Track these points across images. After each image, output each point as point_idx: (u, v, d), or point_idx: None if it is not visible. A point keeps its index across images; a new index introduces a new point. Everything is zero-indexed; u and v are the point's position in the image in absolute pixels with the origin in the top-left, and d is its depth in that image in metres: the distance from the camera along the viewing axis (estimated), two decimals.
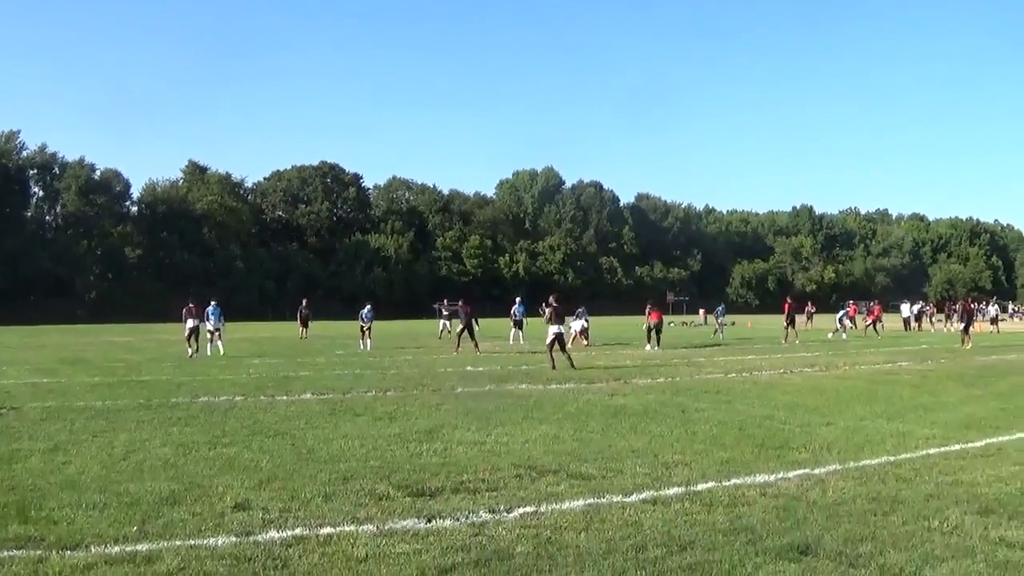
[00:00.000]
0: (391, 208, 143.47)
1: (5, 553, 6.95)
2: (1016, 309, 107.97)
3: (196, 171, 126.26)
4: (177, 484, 9.41)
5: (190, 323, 32.29)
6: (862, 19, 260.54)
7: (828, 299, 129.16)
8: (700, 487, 9.27)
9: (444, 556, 6.89)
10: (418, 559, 6.81)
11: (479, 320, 35.51)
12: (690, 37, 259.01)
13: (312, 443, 12.17)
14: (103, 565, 6.64)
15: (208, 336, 33.65)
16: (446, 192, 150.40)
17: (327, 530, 7.58)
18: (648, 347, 35.04)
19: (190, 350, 31.56)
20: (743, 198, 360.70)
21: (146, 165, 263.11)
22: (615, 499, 8.71)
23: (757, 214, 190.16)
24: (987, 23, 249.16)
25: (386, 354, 33.01)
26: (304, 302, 50.06)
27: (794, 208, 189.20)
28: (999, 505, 8.44)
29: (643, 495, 8.88)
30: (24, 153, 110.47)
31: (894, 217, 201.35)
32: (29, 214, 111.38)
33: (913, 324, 60.59)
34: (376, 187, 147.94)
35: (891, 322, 59.48)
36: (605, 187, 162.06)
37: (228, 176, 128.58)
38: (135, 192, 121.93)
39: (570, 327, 39.06)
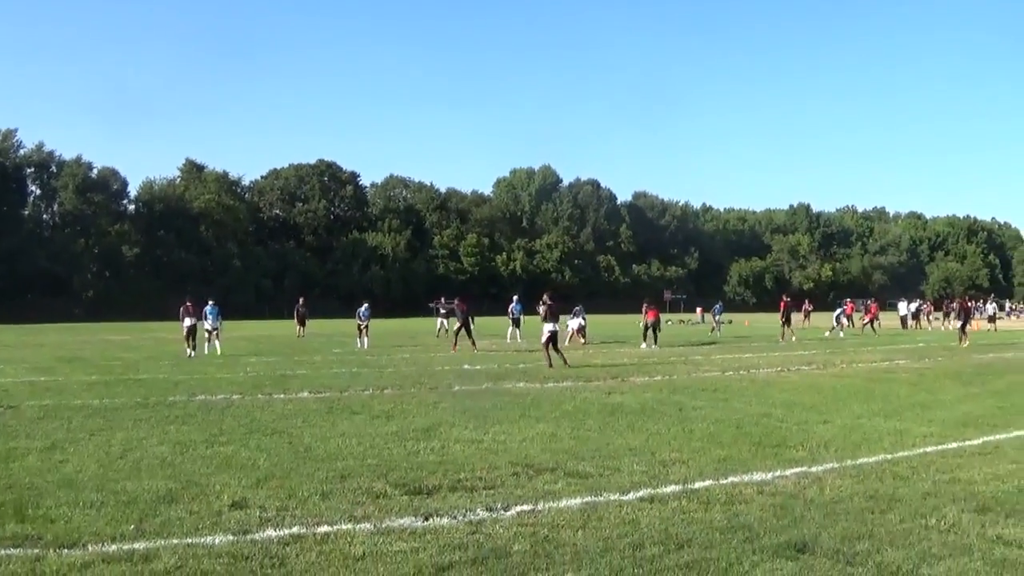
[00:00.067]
0: (388, 206, 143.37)
1: (2, 552, 6.95)
2: (1013, 307, 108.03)
3: (193, 169, 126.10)
4: (174, 482, 9.40)
5: (187, 322, 32.24)
6: (860, 17, 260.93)
7: (825, 297, 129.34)
8: (697, 485, 9.28)
9: (441, 554, 6.89)
10: (415, 557, 6.82)
11: (473, 318, 35.45)
12: (687, 35, 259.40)
13: (309, 441, 12.16)
14: (100, 563, 6.64)
15: (206, 335, 33.63)
16: (443, 190, 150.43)
17: (324, 528, 7.58)
18: (644, 345, 35.03)
19: (188, 349, 31.52)
20: (740, 196, 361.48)
21: (143, 163, 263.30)
22: (612, 497, 8.71)
23: (754, 212, 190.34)
24: (985, 21, 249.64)
25: (383, 352, 33.01)
26: (301, 300, 50.11)
27: (791, 206, 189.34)
28: (996, 503, 8.45)
29: (640, 493, 8.89)
30: (21, 151, 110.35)
31: (891, 215, 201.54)
32: (26, 212, 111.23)
33: (910, 322, 60.65)
34: (373, 185, 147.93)
35: (888, 320, 59.53)
36: (602, 185, 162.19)
37: (225, 174, 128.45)
38: (132, 190, 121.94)
39: (567, 325, 39.14)
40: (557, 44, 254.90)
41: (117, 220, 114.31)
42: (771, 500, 8.60)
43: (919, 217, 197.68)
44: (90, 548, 7.01)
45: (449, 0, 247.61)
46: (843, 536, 7.32)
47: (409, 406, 16.19)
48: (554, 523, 7.75)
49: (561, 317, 26.99)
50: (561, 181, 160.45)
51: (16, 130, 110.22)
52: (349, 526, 7.67)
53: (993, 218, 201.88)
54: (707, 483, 9.38)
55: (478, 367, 25.32)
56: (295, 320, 48.95)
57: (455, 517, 7.97)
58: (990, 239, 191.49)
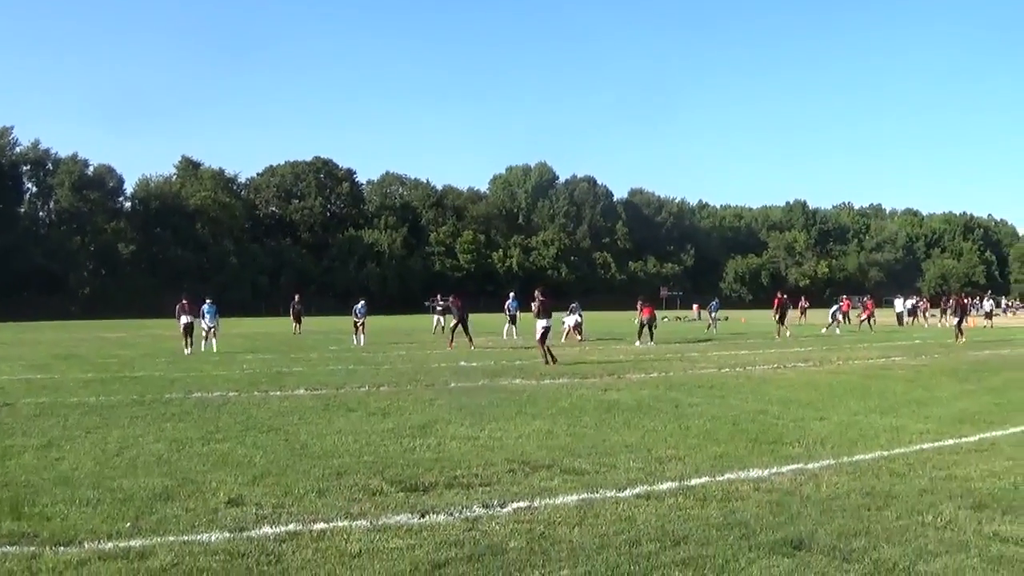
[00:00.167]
0: (384, 203, 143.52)
1: None
2: (1010, 304, 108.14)
3: (189, 167, 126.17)
4: (170, 480, 9.39)
5: (184, 319, 32.22)
6: (856, 13, 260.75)
7: (822, 294, 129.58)
8: (694, 482, 9.28)
9: (437, 551, 6.89)
10: (411, 554, 6.81)
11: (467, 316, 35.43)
12: (684, 32, 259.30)
13: (305, 439, 12.15)
14: (96, 561, 6.63)
15: (203, 333, 33.61)
16: (440, 187, 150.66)
17: (320, 525, 7.58)
18: (639, 343, 34.99)
19: (185, 347, 31.50)
20: (736, 193, 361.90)
21: (139, 161, 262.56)
22: (608, 494, 8.70)
23: (751, 209, 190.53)
24: (981, 18, 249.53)
25: (379, 349, 33.00)
26: (296, 297, 50.07)
27: (788, 203, 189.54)
28: (993, 500, 8.45)
29: (636, 490, 8.88)
30: (17, 149, 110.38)
31: (888, 212, 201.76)
32: (22, 210, 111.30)
33: (907, 319, 60.69)
34: (369, 182, 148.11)
35: (885, 317, 59.53)
36: (598, 182, 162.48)
37: (221, 172, 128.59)
38: (128, 188, 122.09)
39: (563, 322, 39.16)
40: (553, 41, 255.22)
41: (113, 217, 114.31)
42: (767, 497, 8.60)
43: (915, 214, 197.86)
44: (86, 545, 7.00)
45: None
46: (839, 533, 7.32)
47: (405, 403, 16.18)
48: (550, 520, 7.75)
49: (554, 315, 26.91)
50: (557, 178, 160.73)
51: (12, 127, 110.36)
52: (345, 523, 7.66)
53: (990, 215, 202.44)
54: (703, 480, 9.38)
55: (474, 364, 25.31)
56: (291, 317, 48.95)
57: (451, 514, 7.96)
58: (986, 236, 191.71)
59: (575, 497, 8.57)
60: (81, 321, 79.12)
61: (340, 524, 7.63)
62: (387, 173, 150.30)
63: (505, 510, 8.10)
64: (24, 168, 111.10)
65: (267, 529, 7.47)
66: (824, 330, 47.95)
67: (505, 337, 39.59)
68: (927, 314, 64.15)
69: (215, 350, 32.30)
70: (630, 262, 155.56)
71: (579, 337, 38.76)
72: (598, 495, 8.66)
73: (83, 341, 42.46)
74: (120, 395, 17.64)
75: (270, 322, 71.01)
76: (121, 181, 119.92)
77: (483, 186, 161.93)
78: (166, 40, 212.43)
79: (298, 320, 47.89)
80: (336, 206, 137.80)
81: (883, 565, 6.52)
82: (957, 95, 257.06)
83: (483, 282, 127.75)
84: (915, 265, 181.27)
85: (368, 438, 12.15)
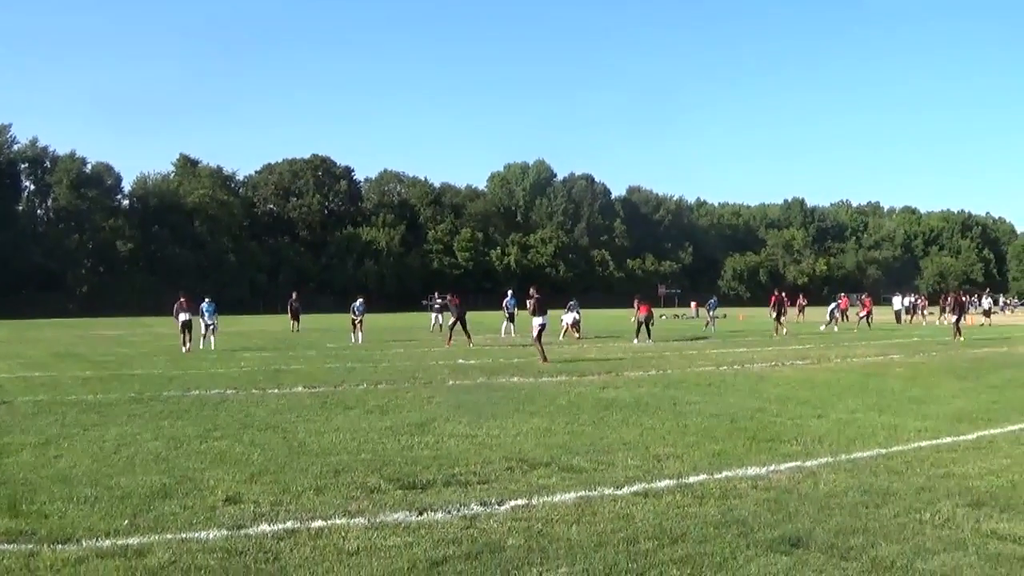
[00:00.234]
0: (382, 201, 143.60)
1: None
2: (1008, 302, 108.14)
3: (187, 164, 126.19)
4: (168, 478, 9.40)
5: (183, 316, 32.19)
6: (854, 11, 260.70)
7: (820, 292, 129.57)
8: (691, 480, 9.28)
9: (435, 549, 6.89)
10: (409, 552, 6.81)
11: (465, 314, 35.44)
12: (682, 30, 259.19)
13: (303, 436, 12.15)
14: (94, 559, 6.63)
15: (202, 331, 33.59)
16: (437, 185, 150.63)
17: (318, 523, 7.58)
18: (636, 341, 34.95)
19: (183, 345, 31.48)
20: (735, 191, 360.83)
21: (137, 159, 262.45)
22: (606, 492, 8.71)
23: (749, 207, 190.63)
24: (979, 16, 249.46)
25: (378, 347, 33.00)
26: (294, 295, 50.15)
27: (786, 201, 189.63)
28: (990, 498, 8.45)
29: (634, 488, 8.88)
30: (15, 147, 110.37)
31: (886, 210, 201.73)
32: (20, 208, 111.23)
33: (904, 317, 60.69)
34: (367, 180, 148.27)
35: (883, 315, 59.52)
36: (596, 180, 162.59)
37: (219, 169, 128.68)
38: (126, 186, 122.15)
39: (561, 320, 39.18)
40: (551, 39, 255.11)
41: (111, 215, 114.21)
42: (765, 495, 8.60)
43: (914, 212, 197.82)
44: (84, 543, 6.99)
45: None
46: (837, 530, 7.32)
47: (403, 401, 16.19)
48: (548, 518, 7.75)
49: (551, 312, 26.94)
50: (555, 176, 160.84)
51: (10, 125, 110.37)
52: (343, 521, 7.66)
53: (988, 213, 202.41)
54: (701, 477, 9.38)
55: (472, 362, 25.31)
56: (289, 315, 48.98)
57: (449, 512, 7.97)
58: (984, 234, 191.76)
59: (573, 495, 8.57)
60: (79, 319, 79.10)
61: (338, 522, 7.63)
62: (385, 171, 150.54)
63: (503, 508, 8.10)
64: (22, 166, 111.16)
65: (265, 527, 7.47)
66: (822, 328, 47.92)
67: (503, 335, 39.57)
68: (925, 312, 64.14)
69: (213, 348, 32.30)
70: (628, 260, 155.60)
71: (577, 335, 38.78)
72: (596, 493, 8.66)
73: (81, 339, 42.47)
74: (118, 393, 17.64)
75: (268, 320, 70.99)
76: (119, 179, 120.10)
77: (481, 184, 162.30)
78: (164, 38, 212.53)
79: (296, 318, 47.94)
80: (334, 204, 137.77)
81: (881, 563, 6.52)
82: (955, 93, 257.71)
83: (481, 280, 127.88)
84: (913, 263, 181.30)
85: (366, 436, 12.15)
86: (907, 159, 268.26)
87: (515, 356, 27.04)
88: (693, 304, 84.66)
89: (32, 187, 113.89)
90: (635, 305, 36.98)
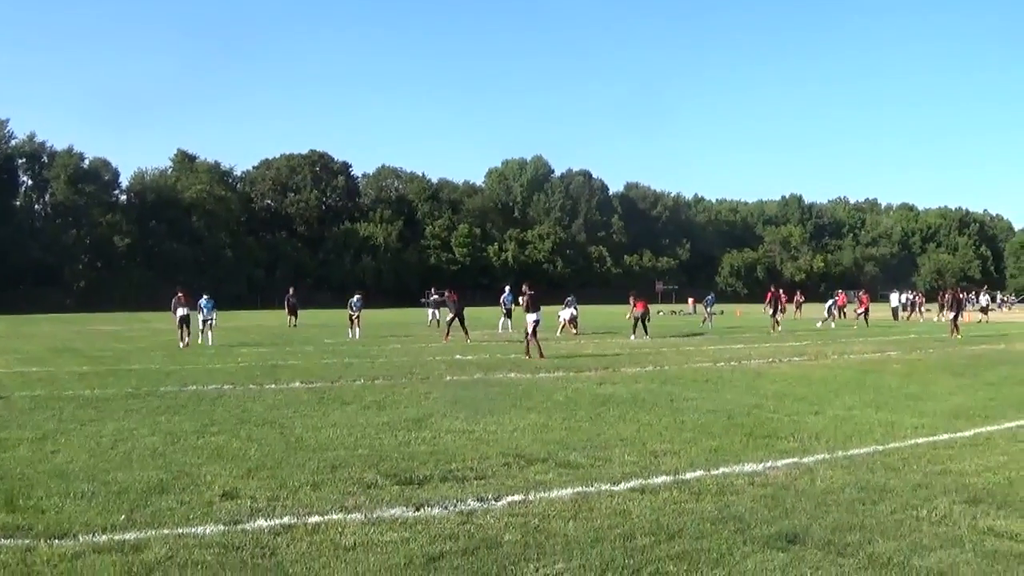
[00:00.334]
0: (380, 197, 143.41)
1: None
2: (1005, 299, 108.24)
3: (185, 160, 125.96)
4: (165, 473, 9.40)
5: (181, 311, 32.20)
6: (852, 8, 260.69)
7: (817, 288, 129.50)
8: (688, 476, 9.29)
9: (432, 544, 6.89)
10: (406, 547, 6.82)
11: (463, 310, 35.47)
12: (680, 26, 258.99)
13: (300, 432, 12.16)
14: (91, 554, 6.63)
15: (200, 326, 33.60)
16: (435, 181, 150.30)
17: (315, 518, 7.58)
18: (633, 337, 34.93)
19: (180, 341, 31.48)
20: (732, 187, 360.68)
21: (135, 154, 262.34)
22: (603, 487, 8.72)
23: (746, 203, 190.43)
24: (976, 12, 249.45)
25: (375, 343, 33.00)
26: (291, 291, 50.10)
27: (783, 197, 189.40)
28: (987, 495, 8.47)
29: (631, 484, 8.89)
30: (13, 142, 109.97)
31: (883, 206, 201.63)
32: (18, 203, 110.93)
33: (902, 314, 60.74)
34: (365, 176, 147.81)
35: (880, 311, 59.53)
36: (594, 176, 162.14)
37: (217, 165, 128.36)
38: (124, 181, 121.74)
39: (559, 316, 39.24)
40: (549, 34, 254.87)
41: (109, 211, 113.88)
42: (762, 491, 8.61)
43: (911, 208, 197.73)
44: (81, 538, 7.00)
45: None
46: (834, 527, 7.33)
47: (400, 396, 16.21)
48: (545, 513, 7.76)
49: (549, 308, 26.99)
50: (553, 172, 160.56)
51: (7, 120, 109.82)
52: (340, 516, 7.67)
53: (985, 210, 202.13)
54: (698, 474, 9.40)
55: (469, 358, 25.33)
56: (286, 310, 48.98)
57: (446, 507, 7.98)
58: (982, 231, 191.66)
59: (570, 491, 8.58)
60: (76, 314, 78.97)
61: (335, 517, 7.64)
62: (383, 166, 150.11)
63: (500, 503, 8.11)
64: (20, 161, 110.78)
65: (262, 522, 7.47)
66: (819, 324, 48.01)
67: (500, 331, 39.64)
68: (922, 309, 64.19)
69: (210, 343, 32.30)
70: (625, 256, 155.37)
71: (574, 331, 38.82)
72: (593, 489, 8.67)
73: (78, 334, 42.47)
74: (115, 388, 17.64)
75: (265, 315, 70.94)
76: (117, 174, 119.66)
77: (479, 179, 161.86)
78: (162, 33, 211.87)
79: (293, 313, 47.94)
80: (332, 199, 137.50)
81: (877, 559, 6.53)
82: (953, 89, 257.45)
83: (479, 276, 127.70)
84: (910, 260, 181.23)
85: (363, 431, 12.16)
86: (905, 156, 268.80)
87: (512, 352, 27.06)
88: (690, 300, 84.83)
89: (29, 182, 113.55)
90: (631, 302, 36.98)
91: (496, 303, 44.67)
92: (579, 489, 8.65)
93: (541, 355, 24.63)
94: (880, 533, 7.16)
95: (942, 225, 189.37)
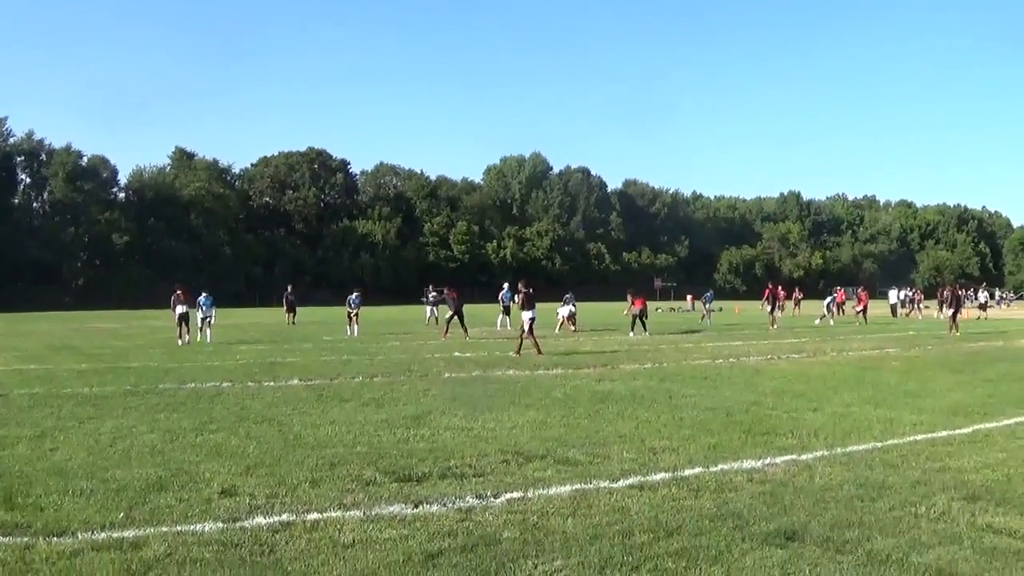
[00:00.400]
0: (378, 194, 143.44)
1: None
2: (1004, 296, 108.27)
3: (183, 157, 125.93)
4: (164, 470, 9.40)
5: (180, 309, 32.20)
6: (850, 5, 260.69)
7: (816, 285, 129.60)
8: (687, 473, 9.29)
9: (431, 541, 6.89)
10: (405, 544, 6.81)
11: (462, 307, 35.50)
12: (678, 23, 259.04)
13: (299, 429, 12.16)
14: (90, 551, 6.63)
15: (199, 324, 33.59)
16: (433, 178, 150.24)
17: (314, 516, 7.58)
18: (632, 334, 34.92)
19: (179, 338, 31.47)
20: (731, 184, 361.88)
21: (133, 151, 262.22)
22: (602, 484, 8.71)
23: (745, 200, 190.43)
24: (976, 9, 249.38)
25: (373, 340, 33.00)
26: (289, 288, 50.14)
27: (782, 194, 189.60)
28: (986, 491, 8.47)
29: (630, 480, 8.89)
30: (11, 140, 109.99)
31: (882, 203, 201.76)
32: (16, 201, 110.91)
33: (900, 311, 60.73)
34: (363, 173, 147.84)
35: (879, 308, 59.54)
36: (592, 173, 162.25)
37: (215, 162, 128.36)
38: (122, 179, 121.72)
39: (557, 313, 39.26)
40: (547, 32, 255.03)
41: (107, 208, 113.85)
42: (761, 488, 8.61)
43: (910, 205, 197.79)
44: (79, 536, 7.00)
45: None
46: (832, 524, 7.33)
47: (399, 394, 16.20)
48: (544, 510, 7.75)
49: (548, 306, 27.01)
50: (551, 169, 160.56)
51: (6, 118, 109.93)
52: (339, 513, 7.67)
53: (984, 207, 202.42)
54: (697, 471, 9.39)
55: (468, 355, 25.33)
56: (284, 308, 48.99)
57: (445, 504, 7.97)
58: (980, 228, 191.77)
59: (569, 488, 8.58)
60: (75, 312, 78.95)
61: (333, 514, 7.64)
62: (381, 164, 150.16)
63: (498, 501, 8.11)
64: (18, 159, 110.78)
65: (260, 519, 7.47)
66: (818, 321, 47.99)
67: (499, 328, 39.65)
68: (921, 305, 64.21)
69: (209, 341, 32.30)
70: (624, 253, 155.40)
71: (573, 327, 38.83)
72: (592, 486, 8.67)
73: (77, 332, 42.43)
74: (114, 386, 17.62)
75: (264, 312, 70.96)
76: (115, 172, 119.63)
77: (477, 177, 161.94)
78: (160, 31, 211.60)
79: (292, 311, 47.95)
80: (330, 197, 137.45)
81: (876, 556, 6.53)
82: (952, 86, 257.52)
83: (477, 273, 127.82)
84: (909, 257, 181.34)
85: (362, 428, 12.15)
86: (903, 152, 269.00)
87: (511, 349, 27.01)
88: (689, 297, 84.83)
89: (28, 180, 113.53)
90: (628, 299, 36.98)
91: (494, 300, 44.64)
92: (578, 486, 8.64)
93: (539, 352, 24.62)
94: (879, 530, 7.16)
95: (941, 222, 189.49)
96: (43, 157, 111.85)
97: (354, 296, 38.88)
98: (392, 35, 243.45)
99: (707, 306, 51.36)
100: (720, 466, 9.61)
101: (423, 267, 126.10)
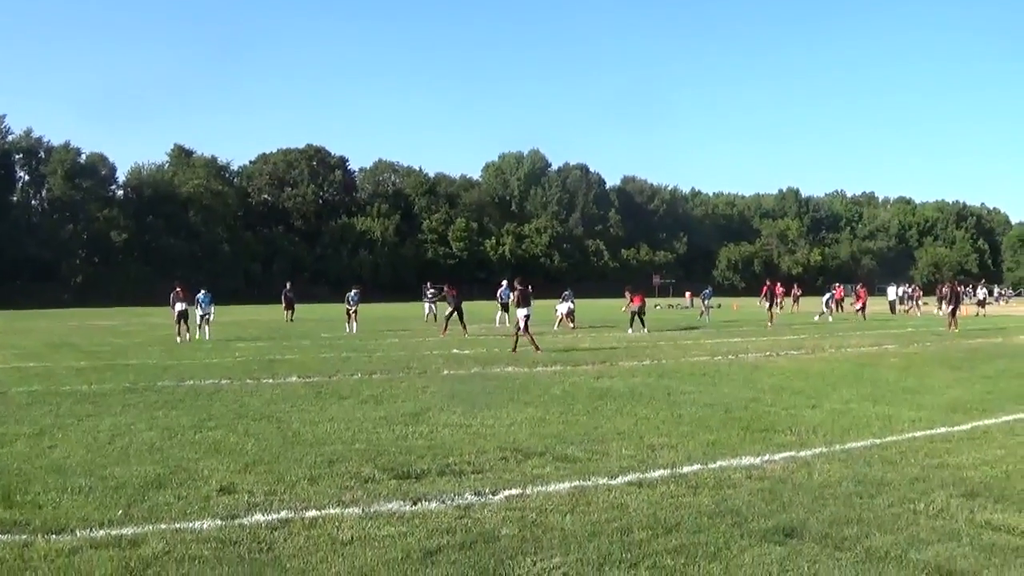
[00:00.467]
0: (377, 191, 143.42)
1: None
2: (1002, 292, 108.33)
3: (182, 155, 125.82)
4: (162, 468, 9.39)
5: (179, 306, 32.18)
6: (848, 1, 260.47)
7: (814, 282, 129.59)
8: (686, 469, 9.28)
9: (430, 538, 6.89)
10: (403, 541, 6.81)
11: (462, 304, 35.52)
12: (676, 20, 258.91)
13: (298, 426, 12.15)
14: (88, 549, 6.63)
15: (197, 321, 33.58)
16: (432, 175, 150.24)
17: (312, 513, 7.58)
18: (631, 331, 34.92)
19: (178, 336, 31.45)
20: (729, 181, 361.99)
21: (132, 149, 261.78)
22: (601, 481, 8.71)
23: (743, 197, 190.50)
24: (974, 7, 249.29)
25: (372, 337, 33.01)
26: (288, 285, 50.17)
27: (780, 191, 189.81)
28: (985, 488, 8.46)
29: (629, 477, 8.89)
30: (10, 137, 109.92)
31: (880, 200, 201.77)
32: (15, 199, 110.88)
33: (899, 307, 60.74)
34: (362, 170, 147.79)
35: (878, 305, 59.54)
36: (591, 170, 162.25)
37: (214, 159, 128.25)
38: (121, 176, 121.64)
39: (556, 309, 39.28)
40: (545, 28, 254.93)
41: (106, 206, 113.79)
42: (759, 485, 8.61)
43: (908, 202, 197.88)
44: (78, 533, 6.99)
45: None
46: (831, 520, 7.33)
47: (398, 391, 16.20)
48: (542, 507, 7.75)
49: (546, 303, 27.02)
50: (550, 166, 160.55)
51: (4, 116, 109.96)
52: (337, 510, 7.66)
53: (982, 203, 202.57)
54: (695, 467, 9.39)
55: (467, 352, 25.32)
56: (283, 305, 49.00)
57: (443, 501, 7.97)
58: (979, 224, 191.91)
59: (567, 485, 8.58)
60: (73, 309, 78.91)
61: (332, 511, 7.63)
62: (380, 160, 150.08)
63: (497, 498, 8.11)
64: (16, 156, 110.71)
65: (259, 517, 7.47)
66: (817, 318, 47.99)
67: (497, 325, 39.67)
68: (919, 302, 64.24)
69: (208, 338, 32.28)
70: (623, 250, 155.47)
71: (571, 324, 38.83)
72: (590, 483, 8.67)
73: (75, 329, 42.42)
74: (112, 383, 17.62)
75: (263, 310, 70.82)
76: (113, 169, 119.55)
77: (476, 173, 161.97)
78: (159, 28, 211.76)
79: (290, 308, 47.99)
80: (329, 194, 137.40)
81: (875, 553, 6.53)
82: (950, 82, 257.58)
83: (476, 270, 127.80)
84: (908, 253, 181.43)
85: (360, 426, 12.15)
86: (902, 149, 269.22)
87: (509, 346, 27.03)
88: (688, 294, 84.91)
89: (26, 177, 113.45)
90: (627, 295, 36.97)
91: (493, 297, 44.63)
92: (576, 483, 8.64)
93: (537, 349, 24.61)
94: (877, 527, 7.16)
95: (939, 218, 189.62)
96: (41, 154, 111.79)
97: (353, 293, 38.90)
98: (391, 32, 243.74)
99: (706, 303, 51.39)
100: (719, 463, 9.61)
101: (422, 264, 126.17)
